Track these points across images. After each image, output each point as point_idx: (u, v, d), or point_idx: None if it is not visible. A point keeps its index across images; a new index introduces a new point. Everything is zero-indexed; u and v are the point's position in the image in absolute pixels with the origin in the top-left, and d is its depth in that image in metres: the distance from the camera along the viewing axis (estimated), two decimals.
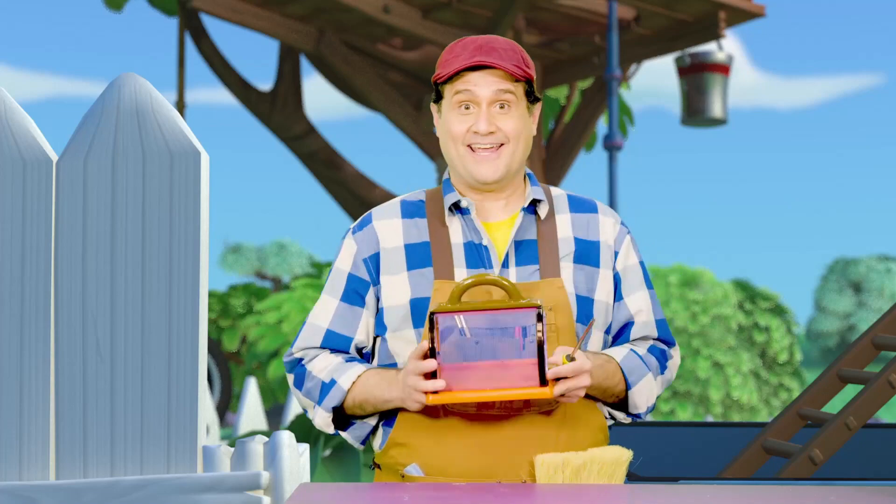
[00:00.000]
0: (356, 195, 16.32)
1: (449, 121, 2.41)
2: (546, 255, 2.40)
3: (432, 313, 2.25)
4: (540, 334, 2.23)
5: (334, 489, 2.02)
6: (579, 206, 2.49)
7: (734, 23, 15.55)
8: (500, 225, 2.44)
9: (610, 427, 3.91)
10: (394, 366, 2.42)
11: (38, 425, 2.05)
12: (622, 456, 2.33)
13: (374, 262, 2.43)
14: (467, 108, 2.39)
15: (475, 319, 2.25)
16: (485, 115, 2.38)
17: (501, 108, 2.39)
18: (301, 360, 2.46)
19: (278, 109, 16.05)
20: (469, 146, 2.40)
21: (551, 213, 2.46)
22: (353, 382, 2.37)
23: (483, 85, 2.37)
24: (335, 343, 2.44)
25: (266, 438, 2.05)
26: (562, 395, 2.28)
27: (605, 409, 2.47)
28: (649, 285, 2.51)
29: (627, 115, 18.88)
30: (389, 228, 2.44)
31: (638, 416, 2.46)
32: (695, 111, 15.04)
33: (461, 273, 2.38)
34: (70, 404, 2.05)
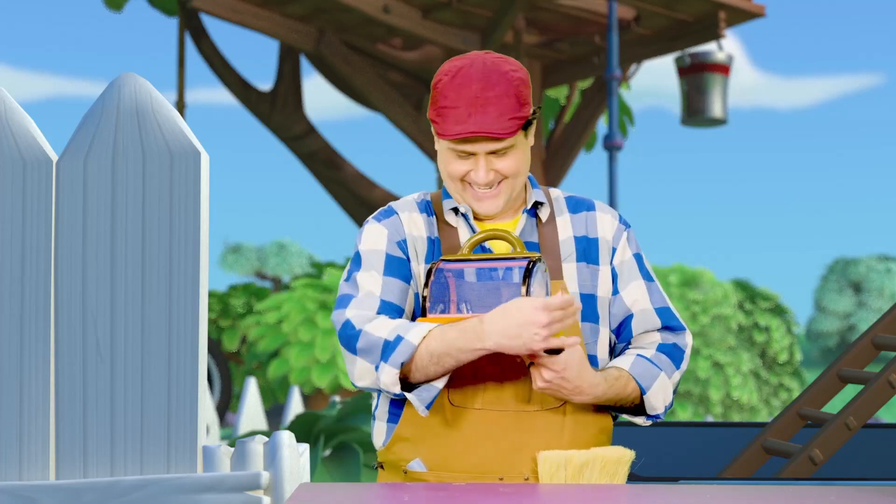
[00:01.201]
0: (356, 195, 16.32)
1: (447, 160, 2.41)
2: (548, 258, 2.42)
3: (431, 266, 2.28)
4: (524, 287, 2.24)
5: (334, 489, 2.02)
6: (577, 205, 2.52)
7: (734, 23, 15.55)
8: (502, 227, 2.46)
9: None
10: None
11: (38, 425, 2.05)
12: (625, 455, 2.35)
13: (405, 246, 2.44)
14: (465, 155, 2.39)
15: (471, 273, 2.28)
16: (482, 166, 2.38)
17: (499, 153, 2.39)
18: (349, 320, 2.35)
19: (278, 109, 16.05)
20: (468, 183, 2.41)
21: (552, 216, 2.48)
22: (424, 337, 2.27)
23: (478, 147, 2.37)
24: (390, 314, 2.38)
25: (266, 438, 2.05)
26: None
27: (620, 414, 2.48)
28: (647, 276, 2.50)
29: (627, 115, 18.88)
30: (411, 220, 2.46)
31: (657, 416, 2.46)
32: (695, 111, 15.04)
33: None
34: (70, 404, 2.05)
